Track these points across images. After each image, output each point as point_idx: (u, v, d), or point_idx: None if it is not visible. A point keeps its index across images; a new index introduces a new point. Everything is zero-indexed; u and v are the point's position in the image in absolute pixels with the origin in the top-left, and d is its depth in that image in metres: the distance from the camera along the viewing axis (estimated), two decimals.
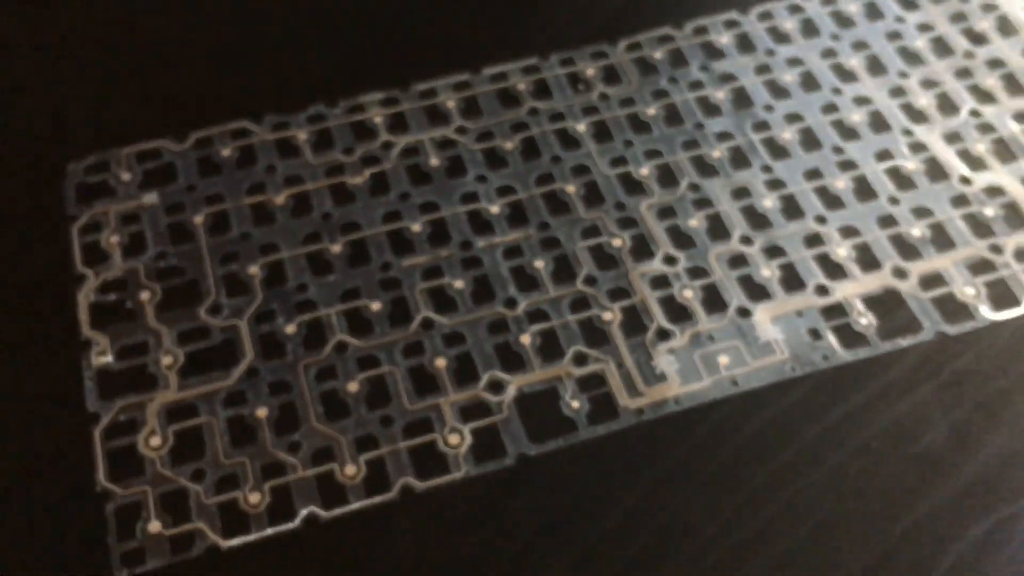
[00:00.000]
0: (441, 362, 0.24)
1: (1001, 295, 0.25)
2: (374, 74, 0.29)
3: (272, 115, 0.28)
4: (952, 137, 0.28)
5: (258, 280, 0.25)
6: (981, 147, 0.28)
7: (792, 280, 0.25)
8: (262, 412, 0.23)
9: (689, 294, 0.25)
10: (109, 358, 0.24)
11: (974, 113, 0.28)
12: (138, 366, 0.24)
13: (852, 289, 0.25)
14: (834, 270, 0.25)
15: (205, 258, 0.25)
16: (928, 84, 0.29)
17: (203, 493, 0.22)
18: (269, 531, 0.21)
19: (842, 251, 0.25)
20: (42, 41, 0.31)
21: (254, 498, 0.22)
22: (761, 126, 0.28)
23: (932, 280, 0.25)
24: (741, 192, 0.27)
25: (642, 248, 0.26)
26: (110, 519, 0.21)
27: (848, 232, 0.26)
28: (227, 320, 0.24)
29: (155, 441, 0.22)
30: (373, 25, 0.31)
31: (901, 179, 0.27)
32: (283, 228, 0.26)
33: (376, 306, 0.25)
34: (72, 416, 0.23)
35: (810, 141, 0.28)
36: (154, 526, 0.21)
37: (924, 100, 0.29)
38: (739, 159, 0.27)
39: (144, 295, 0.25)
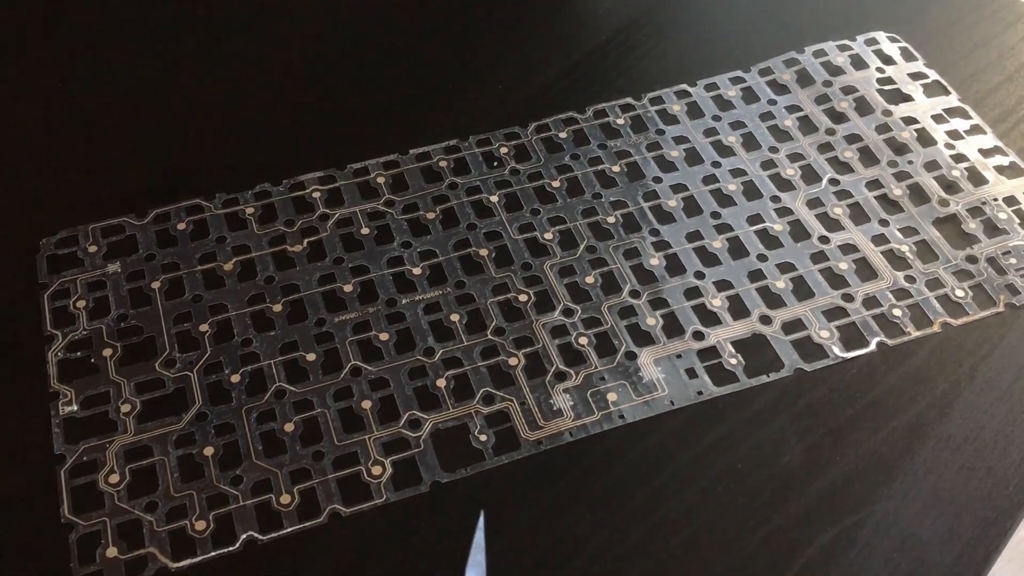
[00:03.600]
0: (367, 404, 0.27)
1: (851, 337, 0.29)
2: (314, 155, 0.33)
3: (223, 193, 0.32)
4: (814, 202, 0.32)
5: (208, 336, 0.29)
6: (838, 210, 0.32)
7: (673, 327, 0.29)
8: (209, 451, 0.26)
9: (584, 341, 0.29)
10: (74, 407, 0.27)
11: (833, 181, 0.33)
12: (100, 413, 0.27)
13: (724, 334, 0.29)
14: (709, 318, 0.29)
15: (161, 318, 0.29)
16: (794, 157, 0.33)
17: (155, 522, 0.25)
18: (213, 553, 0.25)
19: (717, 301, 0.30)
20: (17, 131, 0.35)
21: (200, 525, 0.25)
22: (650, 195, 0.32)
23: (793, 325, 0.29)
24: (631, 252, 0.31)
25: (545, 302, 0.30)
26: (73, 547, 0.24)
27: (722, 285, 0.30)
28: (179, 372, 0.28)
29: (114, 478, 0.26)
30: (314, 113, 0.35)
31: (769, 239, 0.31)
32: (231, 291, 0.30)
33: (311, 357, 0.28)
34: (41, 458, 0.26)
35: (692, 208, 0.32)
36: (111, 551, 0.24)
37: (791, 171, 0.33)
38: (630, 224, 0.32)
39: (106, 352, 0.28)
